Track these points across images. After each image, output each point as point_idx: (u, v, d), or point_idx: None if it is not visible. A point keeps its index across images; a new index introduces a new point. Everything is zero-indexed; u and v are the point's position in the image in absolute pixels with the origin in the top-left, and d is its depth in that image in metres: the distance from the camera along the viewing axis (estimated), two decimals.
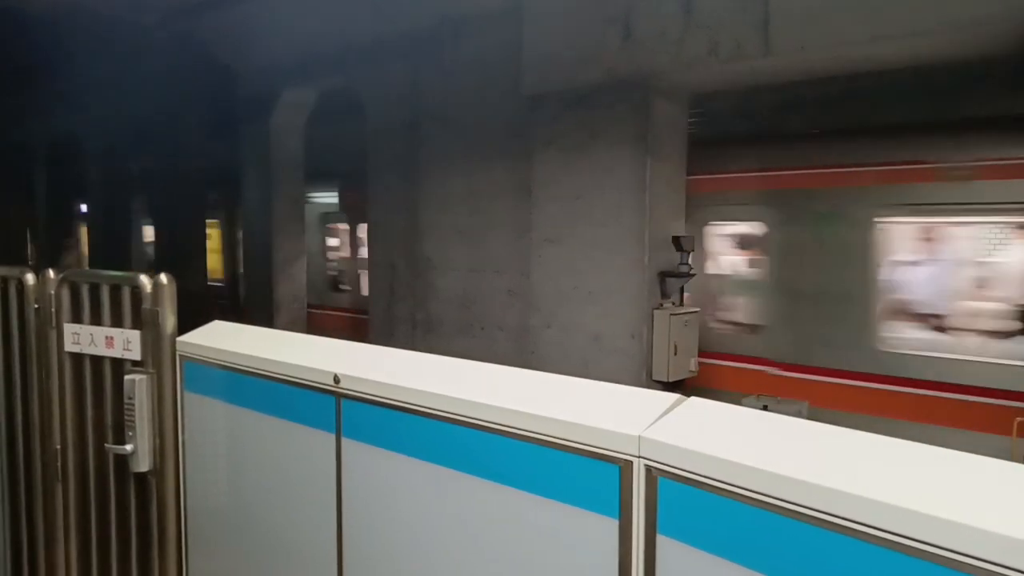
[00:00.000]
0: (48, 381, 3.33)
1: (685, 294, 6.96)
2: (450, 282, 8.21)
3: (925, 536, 1.26)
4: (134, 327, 3.06)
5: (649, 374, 6.53)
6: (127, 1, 9.32)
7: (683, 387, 6.62)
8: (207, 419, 2.95)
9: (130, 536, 3.16)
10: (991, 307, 6.70)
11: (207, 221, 14.79)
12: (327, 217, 13.25)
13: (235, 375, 2.78)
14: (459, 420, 2.04)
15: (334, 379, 2.40)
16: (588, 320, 6.81)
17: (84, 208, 17.35)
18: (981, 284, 6.87)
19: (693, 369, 6.74)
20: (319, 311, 12.76)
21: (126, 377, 3.01)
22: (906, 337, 6.94)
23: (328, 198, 13.17)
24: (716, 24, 5.81)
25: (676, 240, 6.63)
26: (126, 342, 3.07)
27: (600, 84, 6.58)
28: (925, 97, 7.13)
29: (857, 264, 7.10)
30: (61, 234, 17.22)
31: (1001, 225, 6.68)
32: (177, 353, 3.02)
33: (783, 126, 8.11)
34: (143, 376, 3.00)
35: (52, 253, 16.34)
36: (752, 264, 8.18)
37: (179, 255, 13.32)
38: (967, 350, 6.62)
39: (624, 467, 1.71)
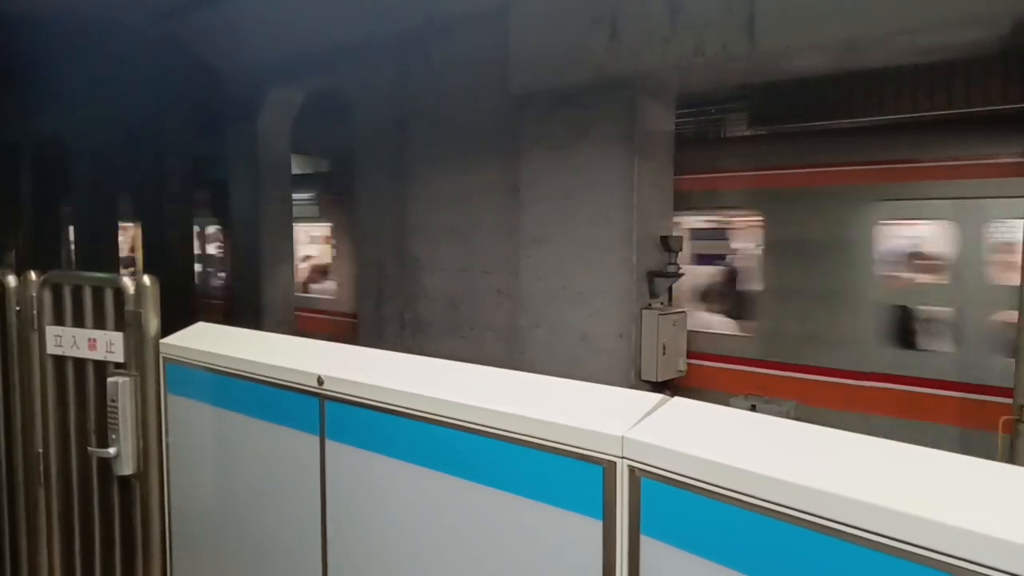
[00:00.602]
0: (30, 384, 3.30)
1: None
2: (439, 282, 8.20)
3: (907, 536, 1.26)
4: (117, 329, 3.04)
5: (638, 374, 6.53)
6: (114, 1, 9.26)
7: None
8: (191, 421, 2.93)
9: (114, 540, 3.13)
10: None
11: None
12: None
13: (219, 377, 2.77)
14: (442, 421, 2.03)
15: (318, 381, 2.38)
16: (576, 320, 6.81)
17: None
18: None
19: (681, 369, 6.75)
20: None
21: (109, 379, 2.98)
22: None
23: None
24: (702, 24, 5.82)
25: (664, 240, 6.64)
26: (109, 344, 3.04)
27: (587, 84, 6.59)
28: None
29: None
30: (48, 235, 17.09)
31: None
32: (160, 355, 3.00)
33: None
34: (126, 378, 2.97)
35: (38, 255, 16.25)
36: None
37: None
38: None
39: (608, 468, 1.71)
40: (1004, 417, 5.87)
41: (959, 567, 1.20)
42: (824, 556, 1.36)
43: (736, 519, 1.49)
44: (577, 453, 1.76)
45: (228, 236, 12.58)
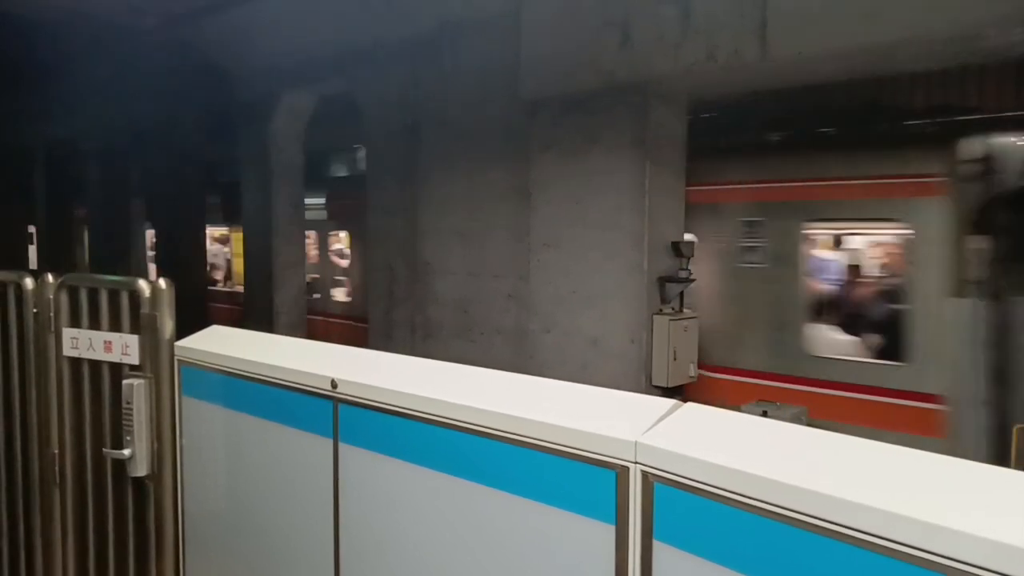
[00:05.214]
0: (46, 385, 3.33)
1: None
2: (449, 286, 8.21)
3: (921, 543, 1.26)
4: (132, 331, 3.06)
5: (649, 379, 6.52)
6: (127, 5, 9.33)
7: None
8: (205, 423, 2.95)
9: (128, 541, 3.15)
10: None
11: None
12: None
13: (233, 380, 2.78)
14: (456, 425, 2.04)
15: (331, 384, 2.40)
16: (587, 325, 6.81)
17: None
18: None
19: (692, 375, 6.73)
20: None
21: (124, 381, 3.01)
22: None
23: None
24: (714, 29, 5.82)
25: (675, 245, 6.63)
26: (124, 346, 3.07)
27: (598, 89, 6.59)
28: None
29: None
30: (61, 237, 17.19)
31: None
32: (175, 358, 3.02)
33: None
34: (141, 380, 3.00)
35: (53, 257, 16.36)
36: None
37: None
38: None
39: (620, 473, 1.71)
40: (1018, 426, 5.82)
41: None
42: (838, 561, 1.36)
43: (749, 524, 1.49)
44: (590, 458, 1.76)
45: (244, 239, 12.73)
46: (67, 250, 17.42)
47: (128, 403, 2.98)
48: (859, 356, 7.15)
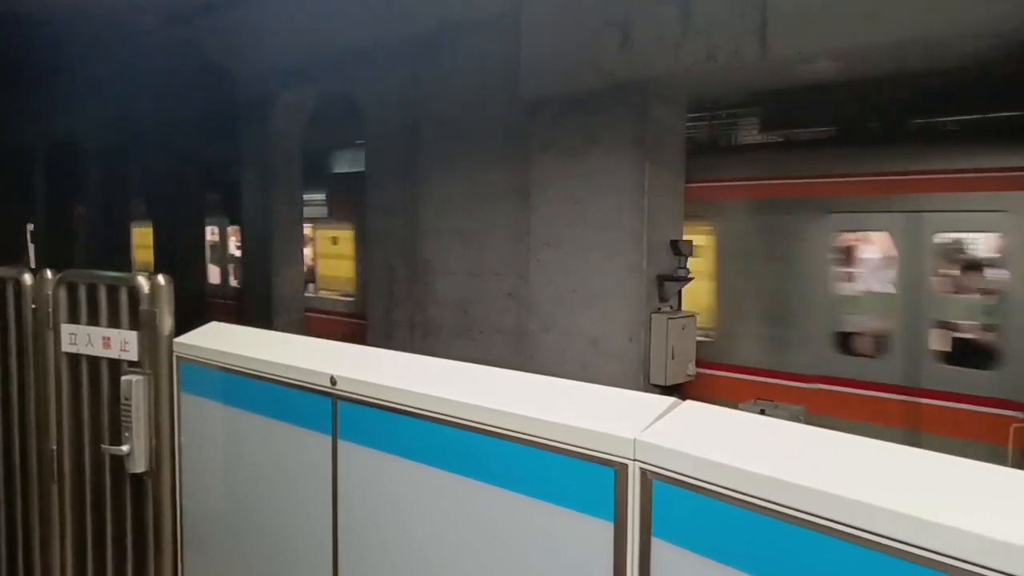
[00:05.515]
0: (45, 381, 3.32)
1: None
2: (449, 285, 8.21)
3: (919, 540, 1.26)
4: (131, 328, 3.06)
5: (647, 378, 6.53)
6: (127, 4, 9.34)
7: None
8: (203, 420, 2.95)
9: (126, 537, 3.15)
10: None
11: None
12: None
13: (232, 376, 2.78)
14: (455, 422, 2.04)
15: (331, 381, 2.39)
16: (586, 324, 6.81)
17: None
18: None
19: (691, 373, 6.74)
20: None
21: (123, 378, 3.01)
22: None
23: None
24: (714, 29, 5.82)
25: (674, 244, 6.64)
26: (123, 343, 3.07)
27: (598, 89, 6.59)
28: None
29: None
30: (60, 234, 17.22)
31: None
32: (174, 354, 3.02)
33: None
34: (140, 377, 2.99)
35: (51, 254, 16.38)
36: None
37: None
38: None
39: (619, 470, 1.71)
40: (1015, 425, 5.81)
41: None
42: (836, 559, 1.36)
43: (747, 522, 1.49)
44: (589, 455, 1.76)
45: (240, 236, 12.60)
46: (66, 248, 17.44)
47: (127, 399, 2.98)
48: None
